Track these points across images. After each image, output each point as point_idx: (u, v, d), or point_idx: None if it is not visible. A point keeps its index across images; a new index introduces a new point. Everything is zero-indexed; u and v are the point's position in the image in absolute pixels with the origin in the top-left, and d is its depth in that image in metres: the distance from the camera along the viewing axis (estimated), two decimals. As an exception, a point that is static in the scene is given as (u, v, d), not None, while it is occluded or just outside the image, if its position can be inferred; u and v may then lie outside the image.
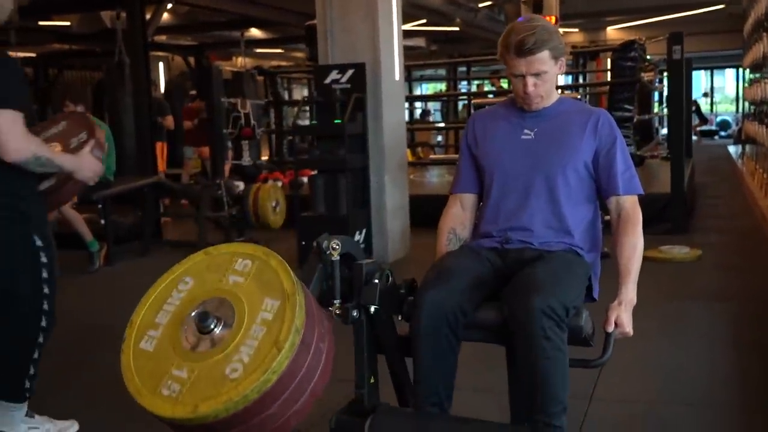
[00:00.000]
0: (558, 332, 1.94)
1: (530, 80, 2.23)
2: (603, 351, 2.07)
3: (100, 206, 6.19)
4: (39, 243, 2.61)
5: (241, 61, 13.40)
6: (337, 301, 2.00)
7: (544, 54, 2.20)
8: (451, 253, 2.31)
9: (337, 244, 1.98)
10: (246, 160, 9.10)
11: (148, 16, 8.22)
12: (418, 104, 16.79)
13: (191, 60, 13.54)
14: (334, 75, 5.73)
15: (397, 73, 6.02)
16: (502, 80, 13.39)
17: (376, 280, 2.07)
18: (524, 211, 2.27)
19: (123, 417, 3.08)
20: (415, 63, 12.11)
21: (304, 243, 5.69)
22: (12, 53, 8.69)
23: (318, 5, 5.89)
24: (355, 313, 2.02)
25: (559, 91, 2.52)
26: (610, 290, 2.19)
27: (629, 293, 2.14)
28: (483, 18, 13.14)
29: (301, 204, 6.30)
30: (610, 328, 2.09)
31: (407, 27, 14.47)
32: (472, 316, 2.09)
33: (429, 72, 20.65)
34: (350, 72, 5.71)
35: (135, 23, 7.26)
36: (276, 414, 1.61)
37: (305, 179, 6.67)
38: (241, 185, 7.70)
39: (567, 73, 15.65)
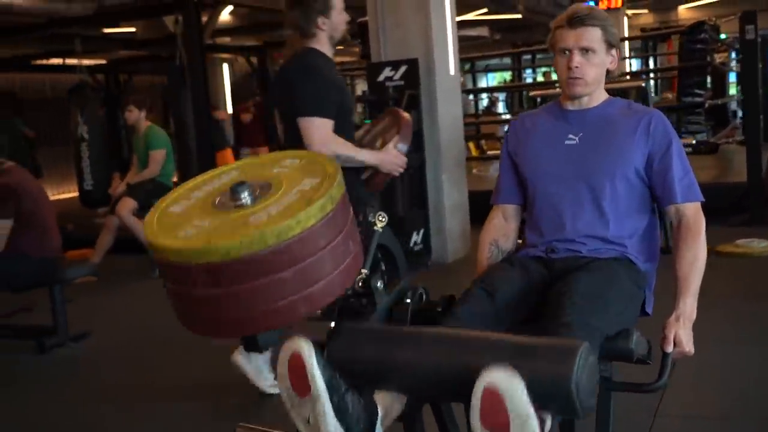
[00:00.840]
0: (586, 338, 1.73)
1: (576, 55, 2.06)
2: (659, 374, 1.86)
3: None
4: (370, 219, 2.84)
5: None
6: (364, 270, 1.86)
7: (596, 31, 2.06)
8: (496, 266, 2.13)
9: (384, 217, 1.91)
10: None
11: (204, 20, 8.24)
12: (484, 95, 16.48)
13: (254, 60, 13.57)
14: (387, 72, 5.60)
15: (452, 68, 5.83)
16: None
17: (408, 300, 1.93)
18: (568, 224, 2.09)
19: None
20: (472, 56, 11.81)
21: (360, 244, 5.58)
22: (79, 60, 8.94)
23: (369, 1, 5.75)
24: (379, 284, 1.89)
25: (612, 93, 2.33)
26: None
27: (688, 308, 1.93)
28: (547, 4, 12.73)
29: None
30: (670, 348, 1.88)
31: (469, 17, 14.22)
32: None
33: (495, 62, 20.27)
34: (403, 68, 5.56)
35: (191, 27, 7.24)
36: (289, 282, 1.47)
37: (363, 179, 6.54)
38: (301, 185, 7.65)
39: (636, 57, 15.14)
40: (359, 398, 1.56)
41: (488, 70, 19.65)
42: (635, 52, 14.42)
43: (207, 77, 7.36)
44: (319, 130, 2.77)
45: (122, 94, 13.41)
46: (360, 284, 1.87)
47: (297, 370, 1.52)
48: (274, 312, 1.48)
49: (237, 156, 11.03)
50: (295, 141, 2.84)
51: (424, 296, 1.99)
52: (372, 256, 1.90)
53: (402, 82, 5.55)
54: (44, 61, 12.58)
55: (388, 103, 5.46)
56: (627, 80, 8.07)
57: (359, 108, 7.10)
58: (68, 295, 4.47)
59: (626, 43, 11.72)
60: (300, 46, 2.88)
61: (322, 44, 2.88)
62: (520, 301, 1.96)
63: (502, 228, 2.27)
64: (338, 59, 15.73)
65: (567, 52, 2.07)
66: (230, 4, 10.40)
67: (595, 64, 2.08)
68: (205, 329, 1.55)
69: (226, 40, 13.93)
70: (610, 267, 1.99)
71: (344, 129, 2.89)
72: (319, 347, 1.58)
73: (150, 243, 1.50)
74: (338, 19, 2.88)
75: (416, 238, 5.56)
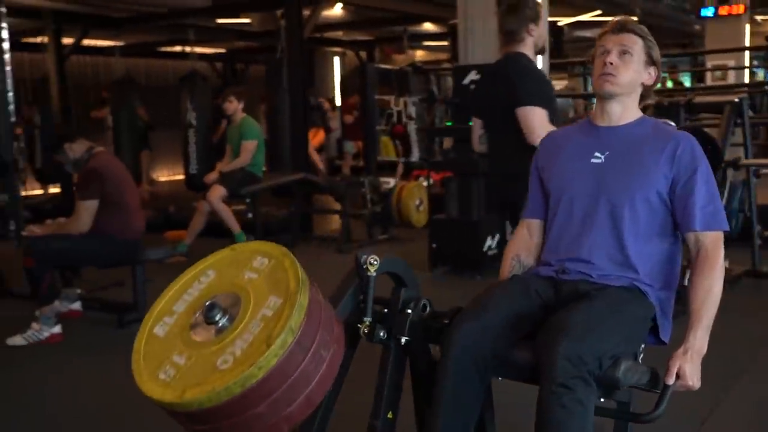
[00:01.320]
0: (581, 384, 1.74)
1: (614, 54, 2.07)
2: (656, 405, 1.84)
3: (248, 201, 6.46)
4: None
5: (402, 57, 13.48)
6: (367, 319, 1.94)
7: (639, 39, 2.10)
8: (499, 283, 2.15)
9: (375, 260, 1.93)
10: (415, 155, 9.19)
11: (308, 14, 8.42)
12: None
13: (363, 55, 13.81)
14: (472, 76, 5.59)
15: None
16: (681, 74, 12.52)
17: (409, 310, 1.97)
18: (585, 242, 2.08)
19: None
20: (583, 59, 11.53)
21: (435, 246, 5.62)
22: (191, 49, 9.34)
23: (459, 2, 5.76)
24: (382, 334, 1.95)
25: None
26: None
27: (698, 341, 1.90)
28: (665, 7, 12.28)
29: (439, 205, 6.22)
30: (671, 381, 1.86)
31: (585, 17, 13.90)
32: (505, 355, 1.93)
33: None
34: (489, 72, 5.54)
35: (292, 21, 7.44)
36: (265, 414, 1.57)
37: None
38: (391, 182, 7.75)
39: (760, 67, 14.31)
40: None
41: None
42: (759, 61, 13.66)
43: (305, 70, 7.54)
44: (538, 117, 3.09)
45: (238, 83, 13.95)
46: (364, 334, 1.93)
47: None
48: None
49: (341, 146, 11.35)
50: (503, 136, 3.21)
51: (427, 307, 2.03)
52: (371, 304, 1.95)
53: (487, 86, 5.53)
54: (167, 49, 13.26)
55: (466, 106, 5.46)
56: (730, 91, 7.68)
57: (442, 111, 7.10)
58: (152, 275, 4.72)
59: (746, 53, 11.14)
60: (509, 50, 3.24)
61: (528, 49, 3.22)
62: (514, 325, 1.96)
63: (526, 243, 2.28)
64: (427, 57, 15.68)
65: (606, 52, 2.08)
66: (337, 1, 10.58)
67: (631, 68, 2.09)
68: None
69: (338, 34, 14.19)
70: (617, 296, 1.97)
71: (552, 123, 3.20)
72: None
73: (137, 385, 1.62)
74: (543, 29, 3.25)
75: (491, 242, 5.54)
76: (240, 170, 6.36)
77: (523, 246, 2.29)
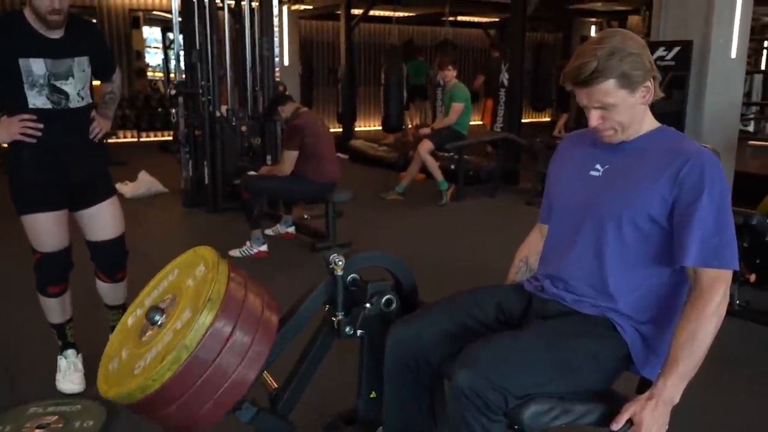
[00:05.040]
0: (478, 418, 1.34)
1: (594, 113, 1.53)
2: None
3: (452, 154, 6.21)
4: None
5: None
6: (340, 314, 1.71)
7: (607, 84, 1.47)
8: (464, 291, 1.73)
9: (340, 261, 1.68)
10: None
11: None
12: None
13: (615, 24, 12.38)
14: (660, 52, 4.71)
15: (734, 51, 4.65)
16: None
17: (368, 304, 1.70)
18: (566, 260, 1.61)
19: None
20: None
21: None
22: (446, 17, 9.09)
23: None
24: (348, 330, 1.71)
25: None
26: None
27: (667, 388, 1.37)
28: None
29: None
30: (615, 426, 1.38)
31: None
32: (441, 364, 1.58)
33: None
34: (676, 49, 4.63)
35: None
36: (175, 414, 1.42)
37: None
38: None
39: None
40: None
41: None
42: None
43: (524, 43, 6.93)
44: None
45: (501, 50, 13.41)
46: (336, 327, 1.72)
47: None
48: (181, 427, 1.47)
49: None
50: None
51: (393, 303, 1.74)
52: (341, 300, 1.70)
53: (673, 63, 4.63)
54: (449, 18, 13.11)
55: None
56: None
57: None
58: (349, 210, 4.73)
59: None
60: None
61: None
62: (454, 338, 1.59)
63: (536, 246, 1.84)
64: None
65: (585, 108, 1.54)
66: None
67: (620, 112, 1.51)
68: None
69: (597, 4, 12.87)
70: (570, 325, 1.51)
71: None
72: None
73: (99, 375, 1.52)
74: None
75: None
76: (447, 128, 6.14)
77: (533, 249, 1.84)
